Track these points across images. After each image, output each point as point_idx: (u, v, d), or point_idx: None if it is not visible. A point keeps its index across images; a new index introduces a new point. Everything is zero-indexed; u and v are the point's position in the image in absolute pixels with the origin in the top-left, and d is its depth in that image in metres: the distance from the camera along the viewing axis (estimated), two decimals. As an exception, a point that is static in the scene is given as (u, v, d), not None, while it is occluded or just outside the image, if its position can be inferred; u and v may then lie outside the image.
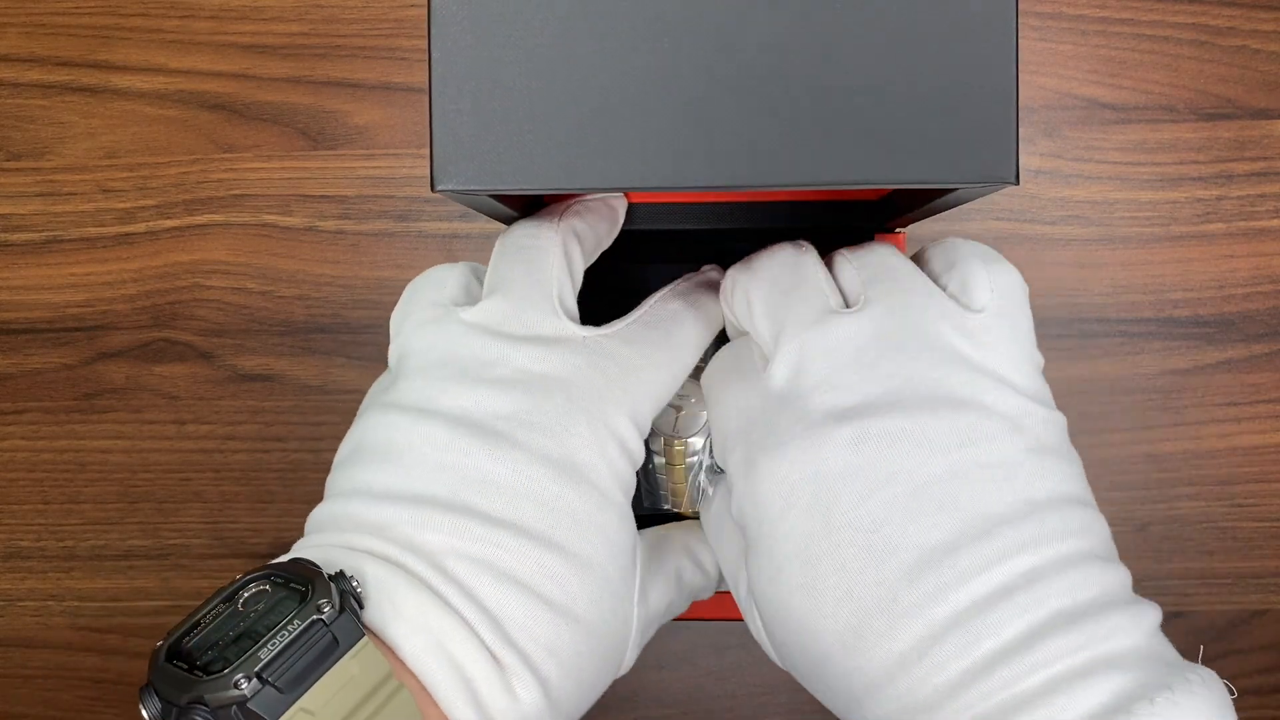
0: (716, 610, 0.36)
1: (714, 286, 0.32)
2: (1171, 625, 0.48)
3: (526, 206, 0.31)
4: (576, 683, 0.26)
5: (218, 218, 0.46)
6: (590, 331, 0.28)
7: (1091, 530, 0.24)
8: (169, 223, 0.47)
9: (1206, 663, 0.24)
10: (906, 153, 0.22)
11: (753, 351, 0.28)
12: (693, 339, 0.30)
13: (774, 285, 0.27)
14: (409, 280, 0.37)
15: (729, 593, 0.36)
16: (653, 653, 0.45)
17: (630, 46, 0.22)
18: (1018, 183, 0.23)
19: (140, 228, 0.47)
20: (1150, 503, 0.45)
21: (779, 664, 0.28)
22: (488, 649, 0.24)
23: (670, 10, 0.22)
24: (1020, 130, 0.23)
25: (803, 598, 0.25)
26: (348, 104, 0.46)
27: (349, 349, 0.46)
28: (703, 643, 0.45)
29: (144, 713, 0.22)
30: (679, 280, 0.32)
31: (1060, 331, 0.45)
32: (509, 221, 0.31)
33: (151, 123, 0.47)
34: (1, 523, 0.47)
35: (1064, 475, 0.25)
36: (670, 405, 0.36)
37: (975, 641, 0.22)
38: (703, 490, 0.35)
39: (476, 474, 0.25)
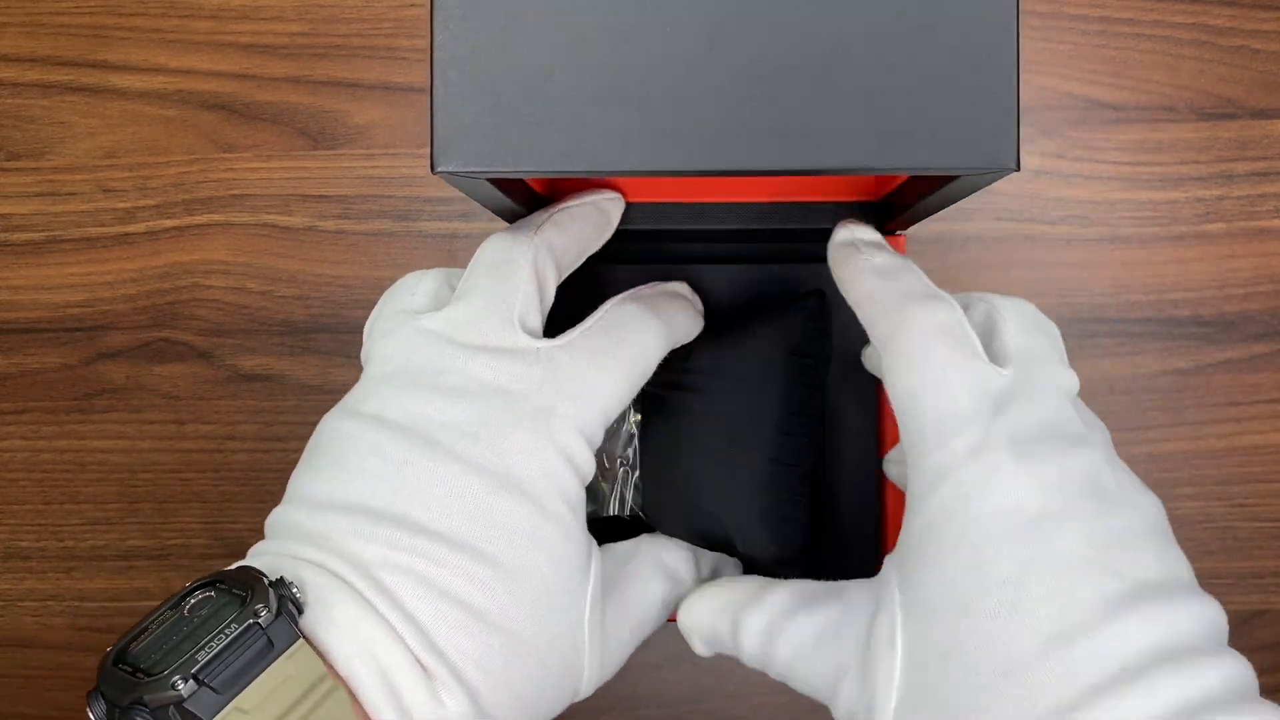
0: (716, 610, 0.36)
1: (676, 296, 0.32)
2: (1172, 625, 0.48)
3: (529, 199, 0.31)
4: (512, 696, 0.26)
5: (218, 218, 0.46)
6: (545, 343, 0.28)
7: None
8: (169, 223, 0.47)
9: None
10: (907, 138, 0.23)
11: (969, 328, 0.27)
12: (648, 344, 0.30)
13: (1029, 316, 0.29)
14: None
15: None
16: (653, 653, 0.45)
17: (632, 30, 0.22)
18: (1018, 168, 0.23)
19: (140, 228, 0.47)
20: (1150, 503, 0.45)
21: (886, 715, 0.26)
22: (415, 657, 0.24)
23: None
24: (1020, 128, 0.23)
25: (1011, 594, 0.24)
26: (348, 104, 0.46)
27: (349, 349, 0.46)
28: (703, 643, 0.45)
29: (90, 715, 0.23)
30: (641, 286, 0.32)
31: (1060, 331, 0.45)
32: (510, 216, 0.31)
33: (151, 123, 0.47)
34: (1, 523, 0.47)
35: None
36: None
37: (1193, 678, 0.23)
38: (630, 503, 0.35)
39: (414, 484, 0.26)
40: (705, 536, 0.33)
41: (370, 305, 0.46)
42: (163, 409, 0.46)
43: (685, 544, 0.33)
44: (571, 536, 0.27)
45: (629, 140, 0.23)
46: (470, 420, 0.26)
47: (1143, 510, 0.26)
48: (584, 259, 0.32)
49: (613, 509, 0.35)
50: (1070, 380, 0.28)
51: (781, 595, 0.29)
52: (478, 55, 0.23)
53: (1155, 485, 0.45)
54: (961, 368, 0.26)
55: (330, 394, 0.46)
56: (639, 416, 0.34)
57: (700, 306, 0.34)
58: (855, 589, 0.28)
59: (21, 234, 0.47)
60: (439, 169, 0.23)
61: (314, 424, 0.28)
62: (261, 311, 0.46)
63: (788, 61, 0.22)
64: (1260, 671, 0.24)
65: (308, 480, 0.27)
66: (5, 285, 0.47)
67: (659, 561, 0.31)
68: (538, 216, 0.30)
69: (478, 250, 0.29)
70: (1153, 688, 0.23)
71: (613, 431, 0.35)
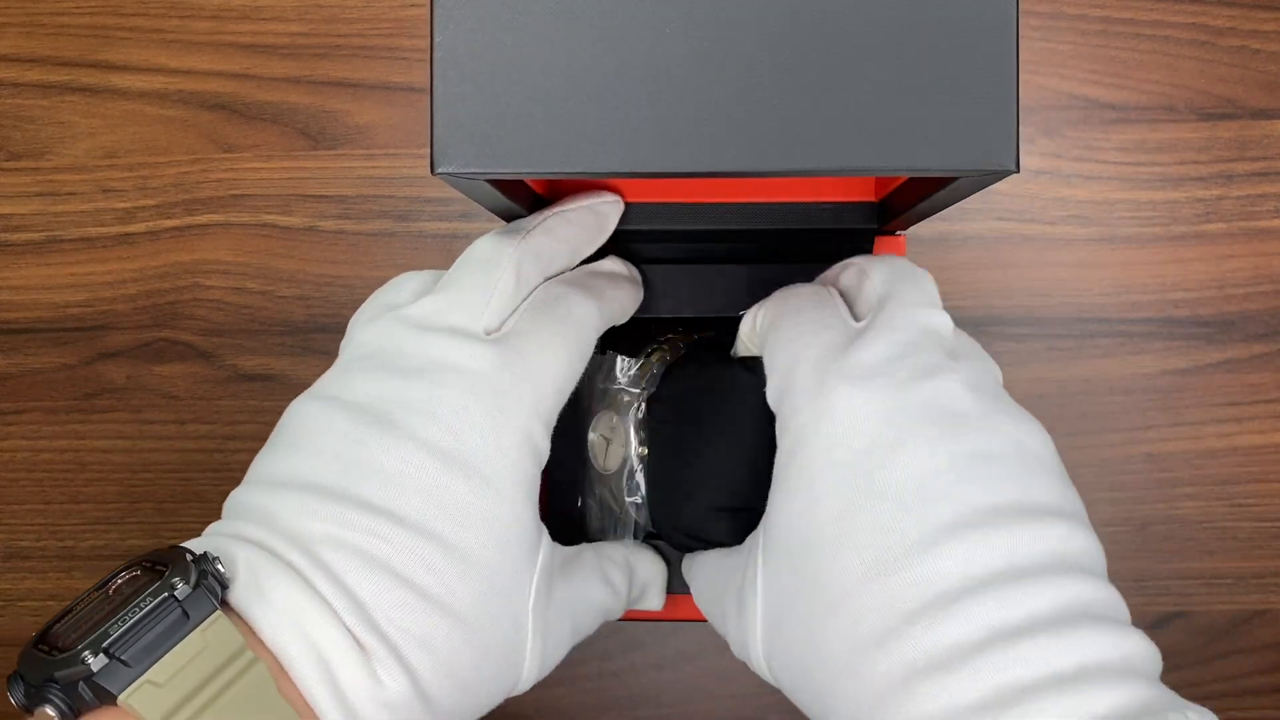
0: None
1: (606, 275, 0.33)
2: (1172, 625, 0.48)
3: (529, 200, 0.31)
4: (455, 680, 0.26)
5: (218, 218, 0.46)
6: (499, 333, 0.28)
7: None
8: (169, 223, 0.47)
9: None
10: (906, 139, 0.22)
11: (837, 300, 0.29)
12: (584, 318, 0.30)
13: (898, 266, 0.29)
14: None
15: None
16: (653, 652, 0.45)
17: (632, 32, 0.22)
18: (1018, 169, 0.23)
19: (140, 228, 0.47)
20: (1150, 503, 0.45)
21: (757, 653, 0.28)
22: (350, 633, 0.24)
23: None
24: (1020, 129, 0.23)
25: (837, 527, 0.24)
26: (348, 104, 0.46)
27: (349, 349, 0.46)
28: (704, 642, 0.45)
29: (11, 699, 0.23)
30: (569, 271, 0.32)
31: (1060, 331, 0.45)
32: (510, 217, 0.31)
33: (151, 123, 0.47)
34: (1, 523, 0.47)
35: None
36: (601, 435, 0.35)
37: (1016, 602, 0.23)
38: (635, 522, 0.35)
39: (368, 463, 0.26)
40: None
41: (370, 305, 0.46)
42: (163, 409, 0.46)
43: (624, 561, 0.33)
44: (522, 520, 0.27)
45: (629, 142, 0.23)
46: (428, 400, 0.26)
47: (1007, 436, 0.25)
48: (577, 261, 0.32)
49: (631, 536, 0.35)
50: (937, 319, 0.27)
51: (712, 557, 0.31)
52: (478, 56, 0.23)
53: (1155, 485, 0.45)
54: (806, 327, 0.28)
55: (330, 394, 0.46)
56: (644, 450, 0.34)
57: (637, 275, 0.35)
58: (749, 539, 0.29)
59: (21, 234, 0.47)
60: (438, 170, 0.23)
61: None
62: (261, 311, 0.46)
63: (788, 62, 0.22)
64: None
65: (265, 460, 0.28)
66: (5, 285, 0.47)
67: (602, 571, 0.32)
68: (531, 220, 0.30)
69: (466, 250, 0.30)
70: (968, 612, 0.22)
71: (618, 464, 0.35)
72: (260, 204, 0.46)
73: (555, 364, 0.28)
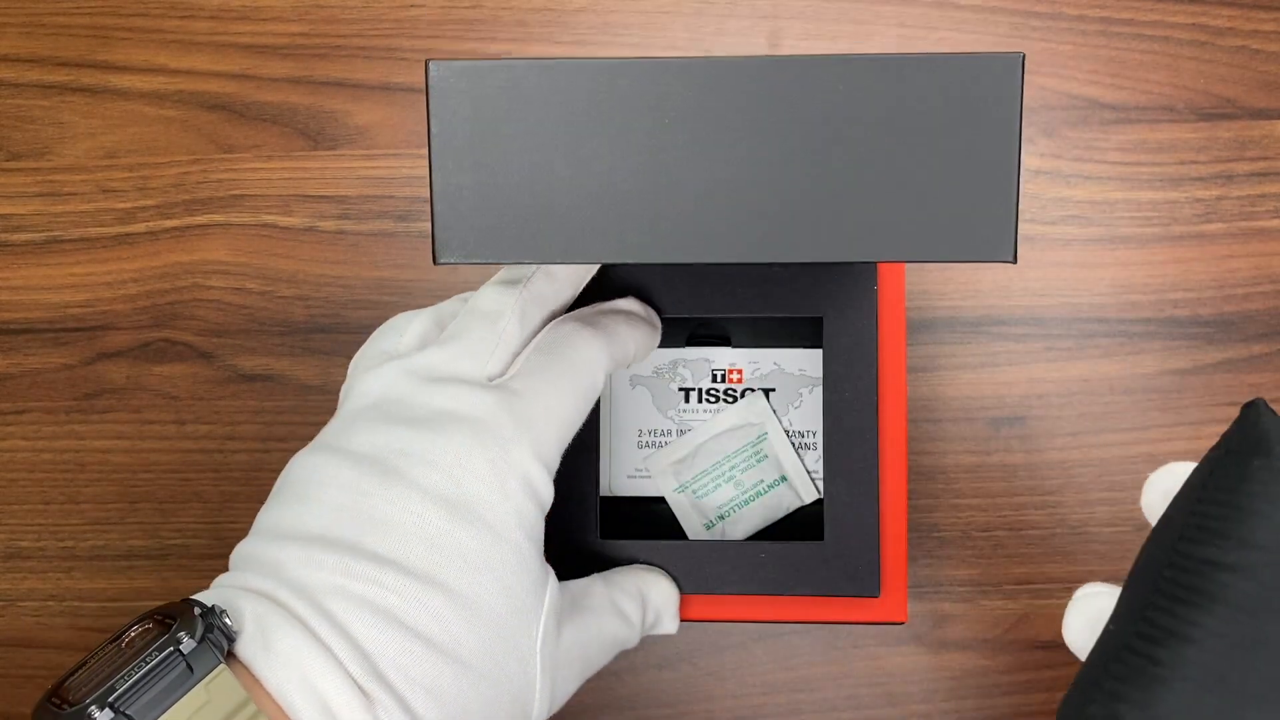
0: (716, 610, 0.36)
1: (620, 314, 0.33)
2: (1171, 625, 0.48)
3: None
4: None
5: (218, 218, 0.46)
6: (503, 378, 0.28)
7: None
8: (169, 223, 0.47)
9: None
10: (906, 232, 0.23)
11: None
12: (591, 358, 0.30)
13: None
14: (409, 280, 0.37)
15: (724, 594, 0.36)
16: (653, 653, 0.45)
17: (629, 125, 0.23)
18: (1015, 261, 0.23)
19: (140, 228, 0.47)
20: (1150, 503, 0.45)
21: None
22: (355, 682, 0.24)
23: (669, 91, 0.23)
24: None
25: None
26: (348, 104, 0.46)
27: (349, 349, 0.46)
28: (703, 643, 0.45)
29: None
30: (582, 308, 0.32)
31: (1060, 331, 0.45)
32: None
33: (151, 123, 0.47)
34: (1, 523, 0.47)
35: None
36: None
37: None
38: None
39: (371, 513, 0.26)
40: None
41: (371, 305, 0.46)
42: (163, 409, 0.46)
43: (636, 590, 0.33)
44: (527, 566, 0.27)
45: (627, 233, 0.23)
46: (430, 449, 0.27)
47: None
48: (580, 290, 0.32)
49: None
50: None
51: None
52: (474, 147, 0.23)
53: (1155, 485, 0.45)
54: None
55: (330, 394, 0.46)
56: None
57: (656, 321, 0.34)
58: None
59: (21, 234, 0.47)
60: (441, 261, 0.24)
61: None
62: (261, 312, 0.46)
63: (785, 157, 0.23)
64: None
65: (270, 513, 0.28)
66: (5, 285, 0.47)
67: (614, 603, 0.32)
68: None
69: (471, 299, 0.30)
70: None
71: None
72: (260, 204, 0.46)
73: (558, 407, 0.28)
